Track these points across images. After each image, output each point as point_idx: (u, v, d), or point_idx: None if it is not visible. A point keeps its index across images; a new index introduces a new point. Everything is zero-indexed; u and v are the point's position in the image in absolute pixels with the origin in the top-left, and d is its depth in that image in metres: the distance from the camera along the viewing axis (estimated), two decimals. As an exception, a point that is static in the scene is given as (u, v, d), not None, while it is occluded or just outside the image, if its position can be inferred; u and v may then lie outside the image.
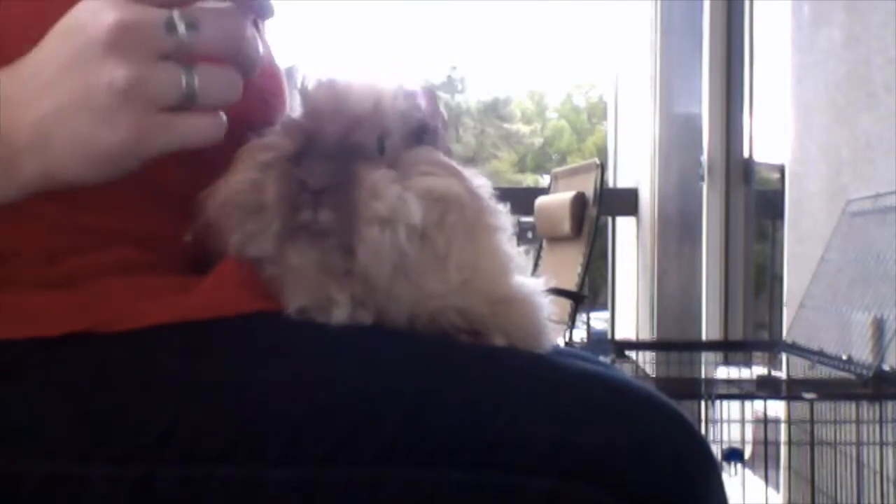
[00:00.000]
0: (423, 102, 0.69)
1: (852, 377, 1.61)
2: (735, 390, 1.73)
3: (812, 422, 1.75)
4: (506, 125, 23.40)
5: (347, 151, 0.63)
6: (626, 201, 4.50)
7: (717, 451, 1.88)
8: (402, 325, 0.67)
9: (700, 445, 0.63)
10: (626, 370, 1.56)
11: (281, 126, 0.67)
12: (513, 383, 0.61)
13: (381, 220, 0.61)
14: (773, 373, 2.07)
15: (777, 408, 1.98)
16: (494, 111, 23.49)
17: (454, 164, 0.70)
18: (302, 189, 0.61)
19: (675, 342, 2.68)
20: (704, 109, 3.64)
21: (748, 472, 1.99)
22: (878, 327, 1.69)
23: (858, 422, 1.70)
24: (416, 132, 0.69)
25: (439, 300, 0.67)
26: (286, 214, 0.62)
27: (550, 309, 0.72)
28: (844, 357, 1.67)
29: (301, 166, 0.62)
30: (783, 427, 2.03)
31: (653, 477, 0.59)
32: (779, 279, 2.68)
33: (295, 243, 0.63)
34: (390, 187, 0.62)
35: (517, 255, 0.72)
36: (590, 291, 3.88)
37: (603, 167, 3.39)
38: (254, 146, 0.66)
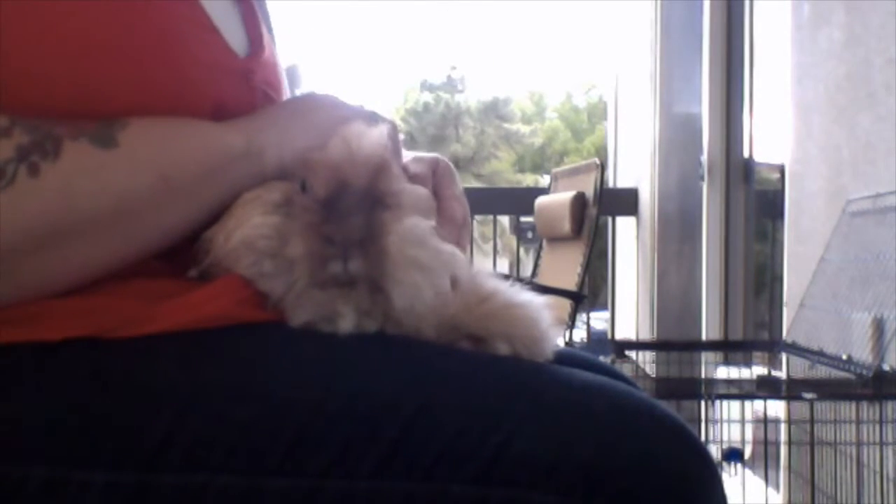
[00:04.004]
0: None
1: (852, 377, 1.61)
2: (735, 390, 1.73)
3: (812, 422, 1.75)
4: (506, 125, 23.38)
5: (371, 200, 0.64)
6: (626, 201, 4.49)
7: (716, 451, 1.88)
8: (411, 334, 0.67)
9: (702, 458, 0.63)
10: (626, 370, 1.56)
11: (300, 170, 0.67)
12: (514, 395, 0.61)
13: (422, 266, 0.62)
14: (773, 373, 2.07)
15: (777, 408, 1.98)
16: (494, 111, 23.47)
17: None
18: (330, 243, 0.62)
19: (675, 342, 2.68)
20: (704, 109, 3.63)
21: (748, 472, 1.99)
22: (878, 327, 1.69)
23: (858, 422, 1.70)
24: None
25: (453, 317, 0.67)
26: (315, 269, 0.62)
27: (553, 315, 0.72)
28: (844, 357, 1.67)
29: (328, 222, 0.62)
30: (783, 427, 2.03)
31: (655, 492, 0.59)
32: (779, 279, 2.68)
33: (320, 289, 0.63)
34: (418, 228, 0.63)
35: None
36: (590, 291, 3.87)
37: (603, 167, 3.38)
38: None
